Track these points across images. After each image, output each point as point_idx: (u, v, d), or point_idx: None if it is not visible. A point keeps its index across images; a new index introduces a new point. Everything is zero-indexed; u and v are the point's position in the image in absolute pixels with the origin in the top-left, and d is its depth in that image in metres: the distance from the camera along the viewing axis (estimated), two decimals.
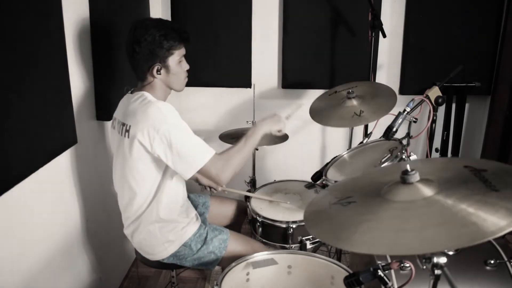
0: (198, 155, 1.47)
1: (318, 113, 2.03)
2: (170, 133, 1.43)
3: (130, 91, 1.60)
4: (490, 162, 0.96)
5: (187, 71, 1.62)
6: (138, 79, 1.59)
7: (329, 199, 1.05)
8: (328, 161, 1.96)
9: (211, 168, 1.48)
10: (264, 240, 1.82)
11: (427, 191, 0.89)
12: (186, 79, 1.64)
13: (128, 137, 1.50)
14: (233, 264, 1.42)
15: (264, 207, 1.88)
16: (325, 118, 1.99)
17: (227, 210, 1.99)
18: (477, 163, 0.96)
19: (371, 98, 1.94)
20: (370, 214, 0.91)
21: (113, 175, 1.66)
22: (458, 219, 0.79)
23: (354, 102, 1.96)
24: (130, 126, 1.49)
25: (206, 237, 1.65)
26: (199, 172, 1.48)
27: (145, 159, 1.50)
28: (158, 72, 1.53)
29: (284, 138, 2.28)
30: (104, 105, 1.95)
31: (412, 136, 1.73)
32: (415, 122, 1.70)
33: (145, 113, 1.45)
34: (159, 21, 1.55)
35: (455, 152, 2.77)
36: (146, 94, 1.53)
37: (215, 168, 1.48)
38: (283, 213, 1.83)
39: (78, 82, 1.79)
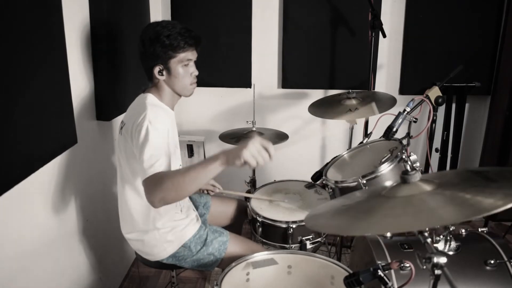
0: (149, 166, 1.29)
1: (315, 108, 2.18)
2: (140, 133, 1.37)
3: (143, 91, 1.60)
4: (493, 167, 0.97)
5: (196, 77, 1.58)
6: (147, 79, 1.59)
7: (330, 207, 1.07)
8: (328, 161, 1.96)
9: (147, 185, 1.28)
10: (264, 240, 1.82)
11: (427, 187, 0.90)
12: (194, 85, 1.58)
13: (121, 134, 1.54)
14: (233, 264, 1.42)
15: (264, 207, 1.88)
16: (321, 112, 2.13)
17: (228, 210, 1.99)
18: (481, 168, 0.97)
19: (370, 101, 2.01)
20: (371, 207, 0.92)
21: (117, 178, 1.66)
22: (456, 202, 0.80)
23: (353, 101, 2.08)
24: (124, 124, 1.53)
25: (206, 239, 1.65)
26: (143, 183, 1.31)
27: (134, 160, 1.47)
28: (160, 73, 1.52)
29: (284, 138, 2.29)
30: (104, 105, 1.95)
31: (412, 136, 1.73)
32: (415, 122, 1.70)
33: (135, 114, 1.46)
34: (171, 23, 1.50)
35: (455, 152, 2.77)
36: (149, 96, 1.53)
37: (148, 187, 1.28)
38: (283, 213, 1.83)
39: (78, 82, 1.79)
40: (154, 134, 1.36)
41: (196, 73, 1.57)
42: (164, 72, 1.52)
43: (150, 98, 1.52)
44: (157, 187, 1.25)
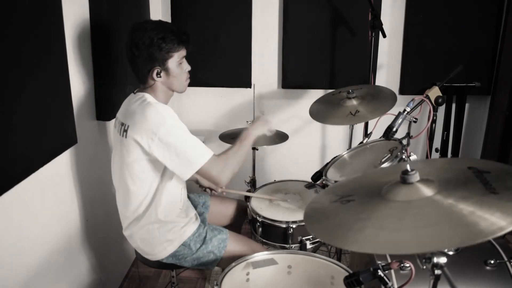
0: (197, 155, 1.47)
1: (316, 111, 2.10)
2: (169, 134, 1.43)
3: (133, 92, 1.60)
4: (496, 164, 0.95)
5: (189, 72, 1.61)
6: (139, 82, 1.59)
7: (330, 197, 1.06)
8: (328, 161, 1.96)
9: (210, 169, 1.48)
10: (264, 240, 1.82)
11: (427, 191, 0.89)
12: (188, 80, 1.62)
13: (126, 137, 1.51)
14: (233, 264, 1.42)
15: (264, 207, 1.88)
16: (322, 116, 2.06)
17: (227, 210, 1.99)
18: (482, 165, 0.95)
19: (371, 99, 1.98)
20: (368, 212, 0.91)
21: (112, 173, 1.67)
22: (454, 219, 0.79)
23: (354, 102, 2.01)
24: (128, 126, 1.51)
25: (205, 237, 1.65)
26: (198, 173, 1.48)
27: (142, 161, 1.50)
28: (158, 75, 1.52)
29: (284, 138, 2.29)
30: (104, 105, 1.95)
31: (412, 136, 1.73)
32: (415, 122, 1.70)
33: (144, 115, 1.46)
34: (158, 23, 1.52)
35: (455, 152, 2.77)
36: (146, 95, 1.53)
37: (214, 169, 1.49)
38: (283, 213, 1.83)
39: (78, 82, 1.79)
40: (183, 128, 1.48)
41: (189, 68, 1.61)
42: (162, 74, 1.52)
43: (150, 97, 1.53)
44: (226, 166, 1.52)
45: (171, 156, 1.45)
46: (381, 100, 1.97)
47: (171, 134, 1.44)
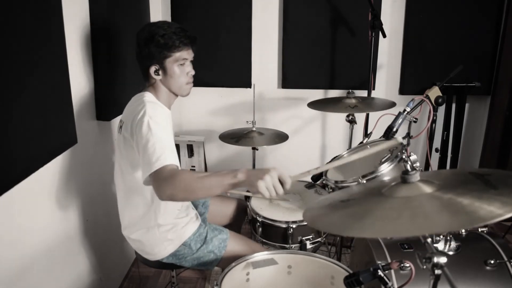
0: (154, 159, 1.29)
1: (316, 104, 2.25)
2: (141, 130, 1.37)
3: (140, 91, 1.60)
4: (497, 170, 0.96)
5: (193, 76, 1.58)
6: (144, 79, 1.59)
7: (330, 200, 1.06)
8: (328, 161, 1.96)
9: (156, 178, 1.27)
10: (264, 240, 1.82)
11: (427, 189, 0.90)
12: (190, 85, 1.59)
13: (121, 133, 1.53)
14: (233, 264, 1.42)
15: (264, 207, 1.88)
16: (321, 106, 2.23)
17: (227, 210, 1.99)
18: (483, 171, 0.96)
19: (370, 101, 2.01)
20: (369, 206, 0.92)
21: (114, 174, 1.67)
22: (453, 209, 0.80)
23: (353, 100, 2.12)
24: (123, 122, 1.53)
25: (206, 237, 1.65)
26: (151, 176, 1.30)
27: (133, 160, 1.48)
28: (156, 73, 1.52)
29: (284, 138, 2.29)
30: (104, 105, 1.95)
31: (412, 136, 1.73)
32: (415, 122, 1.70)
33: (134, 111, 1.46)
34: (165, 23, 1.51)
35: (455, 152, 2.78)
36: (146, 94, 1.53)
37: (158, 180, 1.26)
38: (283, 213, 1.83)
39: (78, 82, 1.79)
40: (156, 128, 1.36)
41: (193, 72, 1.58)
42: (160, 72, 1.52)
43: (147, 96, 1.52)
44: (169, 183, 1.23)
45: (139, 150, 1.37)
46: (378, 103, 2.02)
47: (142, 130, 1.37)
